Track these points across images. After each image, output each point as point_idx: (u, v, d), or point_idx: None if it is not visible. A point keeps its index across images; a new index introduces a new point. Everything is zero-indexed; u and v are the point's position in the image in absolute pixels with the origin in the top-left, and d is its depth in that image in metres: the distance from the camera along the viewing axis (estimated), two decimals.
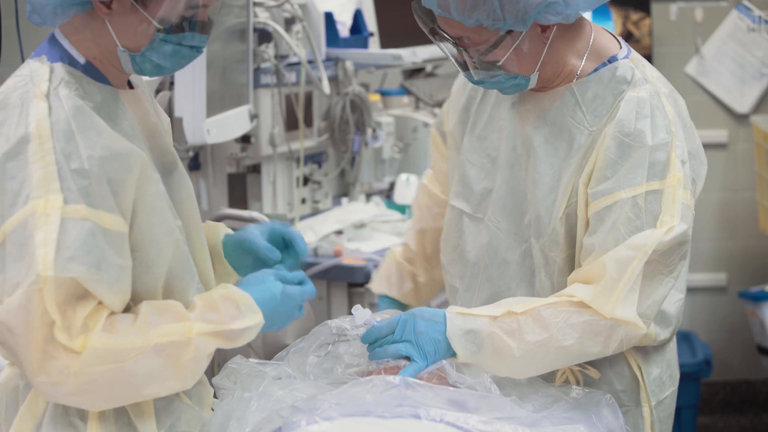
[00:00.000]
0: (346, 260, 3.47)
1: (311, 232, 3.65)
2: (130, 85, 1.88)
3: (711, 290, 5.25)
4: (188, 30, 1.78)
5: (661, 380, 2.18)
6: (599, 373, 2.13)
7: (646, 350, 2.16)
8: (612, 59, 2.07)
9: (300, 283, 1.88)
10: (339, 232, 3.64)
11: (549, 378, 2.12)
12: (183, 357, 1.71)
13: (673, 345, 2.23)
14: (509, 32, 1.98)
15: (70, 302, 1.64)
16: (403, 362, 1.95)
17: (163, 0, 1.74)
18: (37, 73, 1.74)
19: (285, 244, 2.02)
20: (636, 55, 2.10)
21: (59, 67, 1.75)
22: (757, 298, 4.65)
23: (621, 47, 2.10)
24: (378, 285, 2.53)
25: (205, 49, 1.86)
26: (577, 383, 2.11)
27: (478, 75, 2.04)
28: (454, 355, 1.97)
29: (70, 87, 1.73)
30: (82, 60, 1.78)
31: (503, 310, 1.97)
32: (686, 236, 1.99)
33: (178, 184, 1.88)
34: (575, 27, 2.06)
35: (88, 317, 1.65)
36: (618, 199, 1.97)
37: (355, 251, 3.55)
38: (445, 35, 2.02)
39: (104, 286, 1.66)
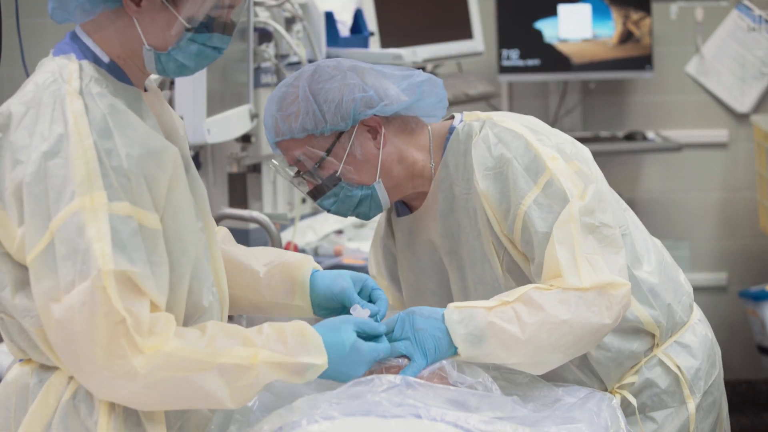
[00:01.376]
0: (347, 260, 3.47)
1: (311, 232, 3.65)
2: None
3: (711, 290, 5.25)
4: (214, 30, 1.77)
5: (704, 371, 2.20)
6: (636, 378, 2.16)
7: (674, 347, 2.19)
8: (451, 130, 2.15)
9: (376, 338, 1.89)
10: (339, 232, 3.64)
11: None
12: (243, 381, 1.72)
13: (704, 332, 2.25)
14: (338, 137, 2.05)
15: (129, 299, 1.64)
16: (404, 361, 1.95)
17: None
18: (65, 70, 1.72)
19: (369, 299, 2.04)
20: (470, 113, 2.17)
21: (87, 65, 1.74)
22: (758, 298, 4.65)
23: (454, 117, 2.18)
24: None
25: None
26: (624, 398, 2.14)
27: (326, 198, 2.10)
28: (455, 351, 1.97)
29: (101, 85, 1.72)
30: (106, 59, 1.77)
31: (496, 302, 1.98)
32: (600, 192, 2.05)
33: (192, 187, 1.87)
34: (410, 127, 2.14)
35: (156, 321, 1.66)
36: (523, 212, 2.03)
37: (355, 251, 3.55)
38: (292, 172, 2.10)
39: (152, 283, 1.67)
